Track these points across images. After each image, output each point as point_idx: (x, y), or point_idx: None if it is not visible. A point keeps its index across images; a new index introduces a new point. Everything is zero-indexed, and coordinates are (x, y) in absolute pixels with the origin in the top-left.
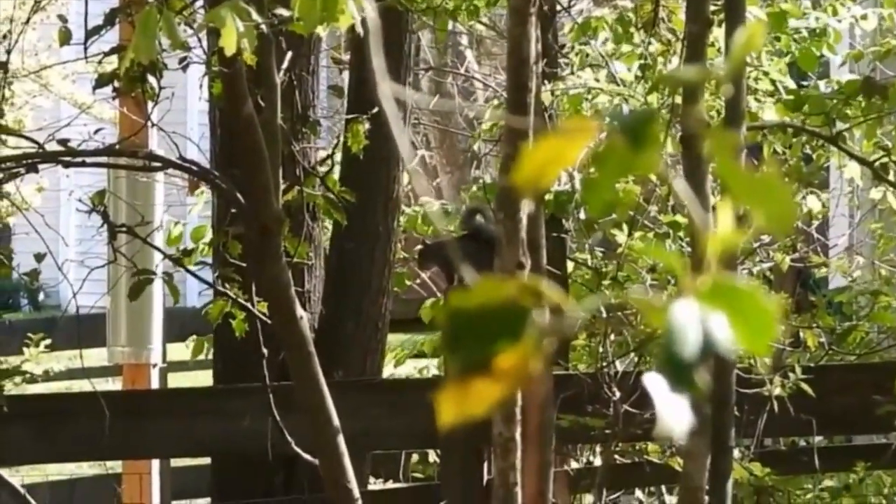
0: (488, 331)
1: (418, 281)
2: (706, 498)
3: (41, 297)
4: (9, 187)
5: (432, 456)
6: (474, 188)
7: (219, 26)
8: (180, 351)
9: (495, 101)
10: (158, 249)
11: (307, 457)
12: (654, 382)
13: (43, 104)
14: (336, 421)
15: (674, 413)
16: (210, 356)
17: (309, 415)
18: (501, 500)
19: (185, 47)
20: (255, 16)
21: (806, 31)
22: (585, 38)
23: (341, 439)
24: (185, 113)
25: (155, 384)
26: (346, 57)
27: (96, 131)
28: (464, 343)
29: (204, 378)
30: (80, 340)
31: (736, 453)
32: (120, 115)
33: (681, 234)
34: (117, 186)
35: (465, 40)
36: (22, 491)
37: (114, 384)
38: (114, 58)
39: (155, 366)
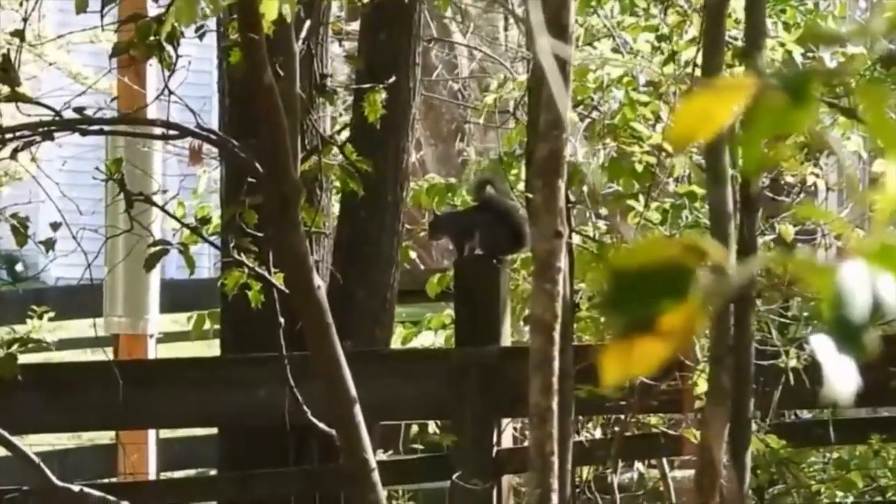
0: (652, 290)
1: (415, 255)
2: (724, 470)
3: (19, 268)
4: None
5: (432, 426)
6: (480, 159)
7: None
8: (168, 323)
9: (501, 75)
10: (177, 219)
11: (323, 427)
12: (821, 345)
13: (33, 72)
14: (353, 391)
15: (841, 376)
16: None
17: (326, 385)
18: (538, 469)
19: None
20: None
21: (811, 2)
22: (591, 9)
23: (358, 410)
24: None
25: (152, 354)
26: (348, 27)
27: (112, 100)
28: (627, 303)
29: (196, 349)
30: (69, 312)
31: (753, 426)
32: (119, 85)
33: (696, 204)
34: (116, 156)
35: (448, 13)
36: (36, 460)
37: (107, 355)
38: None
39: (152, 336)
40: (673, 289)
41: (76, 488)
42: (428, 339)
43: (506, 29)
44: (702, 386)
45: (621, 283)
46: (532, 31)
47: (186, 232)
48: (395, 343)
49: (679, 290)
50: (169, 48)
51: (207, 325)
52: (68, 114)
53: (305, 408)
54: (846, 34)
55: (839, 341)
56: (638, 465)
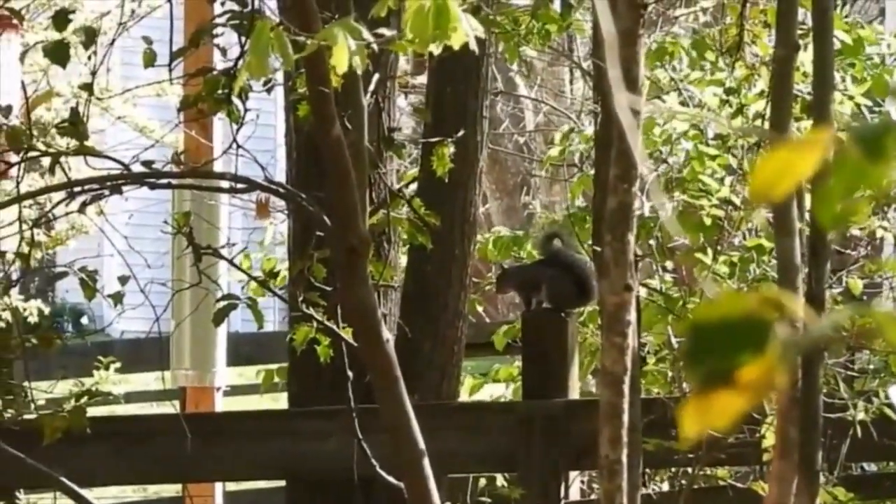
0: (731, 343)
1: (481, 308)
2: None
3: (84, 321)
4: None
5: (499, 479)
6: (546, 213)
7: (331, 44)
8: (234, 376)
9: (566, 127)
10: (245, 272)
11: (391, 479)
12: None
13: (100, 126)
14: (421, 444)
15: None
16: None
17: (394, 437)
18: None
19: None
20: (366, 34)
21: (877, 56)
22: (659, 63)
23: (426, 462)
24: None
25: (219, 407)
26: (415, 81)
27: (179, 154)
28: (706, 355)
29: (263, 402)
30: (134, 365)
31: (821, 479)
32: (186, 139)
33: (764, 258)
34: (183, 210)
35: (515, 66)
36: None
37: (174, 408)
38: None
39: (219, 389)
40: (752, 342)
41: None
42: (496, 391)
43: (571, 82)
44: (770, 438)
45: (701, 335)
46: (604, 84)
47: (253, 285)
48: (463, 395)
49: (758, 343)
50: (237, 102)
51: (276, 379)
52: (136, 167)
53: (373, 460)
54: None
55: None
56: None
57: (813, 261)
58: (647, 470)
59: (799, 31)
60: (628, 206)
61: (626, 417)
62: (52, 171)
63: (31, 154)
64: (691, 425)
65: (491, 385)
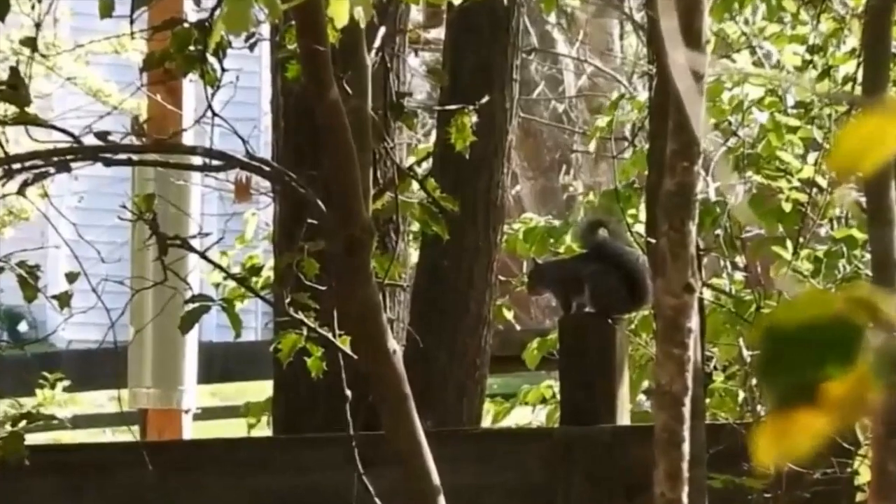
0: (816, 354)
1: (510, 313)
2: None
3: (23, 327)
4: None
5: None
6: (590, 195)
7: None
8: (206, 395)
9: (615, 93)
10: (221, 268)
11: None
12: None
13: (45, 89)
14: (436, 478)
15: None
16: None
17: (403, 471)
18: None
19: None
20: None
21: None
22: (728, 15)
23: (442, 501)
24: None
25: (188, 434)
26: (429, 35)
27: (141, 123)
28: (785, 369)
29: (241, 427)
30: (84, 382)
31: None
32: (150, 105)
33: (856, 251)
34: (145, 191)
35: (552, 17)
36: None
37: (133, 434)
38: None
39: (187, 412)
40: (841, 352)
41: None
42: (524, 417)
43: (621, 37)
44: (864, 474)
45: (779, 345)
46: (659, 39)
47: (231, 285)
48: (485, 422)
49: (846, 354)
50: (213, 60)
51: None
52: (89, 140)
53: (377, 500)
54: None
55: None
56: None
57: None
58: None
59: None
60: (689, 188)
61: (686, 447)
62: None
63: None
64: (767, 454)
65: (519, 409)
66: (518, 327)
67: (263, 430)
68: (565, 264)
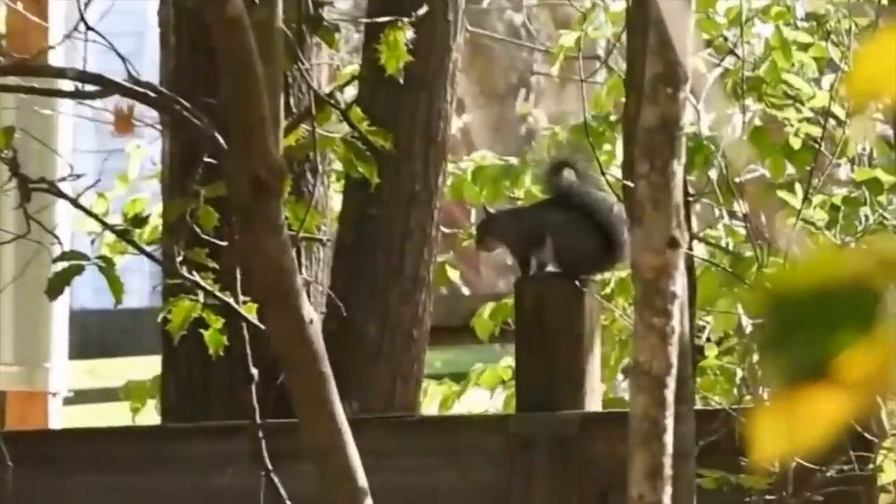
0: (829, 323)
1: (456, 274)
2: None
3: None
4: None
5: None
6: (554, 128)
7: None
8: (80, 374)
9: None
10: (98, 219)
11: None
12: None
13: None
14: (363, 478)
15: None
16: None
17: (320, 467)
18: None
19: None
20: None
21: None
22: None
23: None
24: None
25: (57, 422)
26: None
27: None
28: (793, 340)
29: (124, 413)
30: None
31: None
32: (8, 17)
33: (881, 198)
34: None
35: None
36: None
37: None
38: None
39: (55, 394)
40: (857, 321)
41: None
42: (481, 403)
43: None
44: (889, 472)
45: (784, 312)
46: None
47: (110, 238)
48: (430, 407)
49: (864, 323)
50: None
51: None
52: None
53: (289, 501)
54: None
55: None
56: None
57: None
58: None
59: None
60: (674, 120)
61: (669, 439)
62: None
63: None
64: (769, 446)
65: (474, 393)
66: (466, 291)
67: (150, 417)
68: (523, 213)
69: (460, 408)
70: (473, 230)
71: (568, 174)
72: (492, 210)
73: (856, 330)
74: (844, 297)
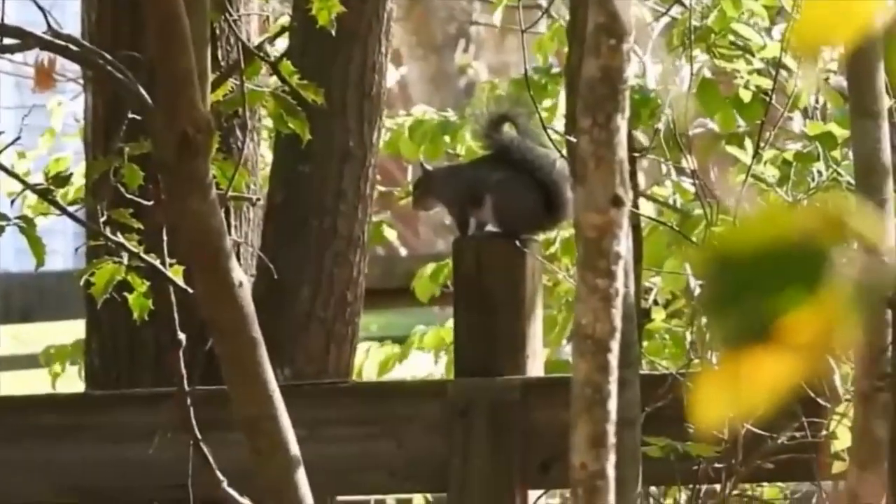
0: (778, 283)
1: (393, 234)
2: None
3: None
4: None
5: (419, 502)
6: (494, 81)
7: None
8: (4, 340)
9: None
10: (17, 178)
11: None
12: None
13: None
14: (295, 447)
15: None
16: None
17: (251, 437)
18: None
19: None
20: None
21: None
22: None
23: (302, 475)
24: None
25: None
26: None
27: None
28: (740, 301)
29: (44, 380)
30: None
31: None
32: None
33: (834, 153)
34: None
35: None
36: None
37: None
38: None
39: None
40: (805, 280)
41: None
42: (424, 367)
43: None
44: (843, 439)
45: (731, 272)
46: None
47: (32, 198)
48: (367, 373)
49: (814, 283)
50: None
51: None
52: None
53: (218, 473)
54: None
55: None
56: None
57: None
58: (652, 488)
59: None
60: (617, 73)
61: (613, 405)
62: None
63: None
64: (717, 410)
65: (417, 357)
66: (403, 252)
67: (75, 384)
68: (462, 171)
69: (404, 374)
70: (411, 188)
71: (508, 129)
72: (429, 167)
73: (806, 290)
74: (794, 257)
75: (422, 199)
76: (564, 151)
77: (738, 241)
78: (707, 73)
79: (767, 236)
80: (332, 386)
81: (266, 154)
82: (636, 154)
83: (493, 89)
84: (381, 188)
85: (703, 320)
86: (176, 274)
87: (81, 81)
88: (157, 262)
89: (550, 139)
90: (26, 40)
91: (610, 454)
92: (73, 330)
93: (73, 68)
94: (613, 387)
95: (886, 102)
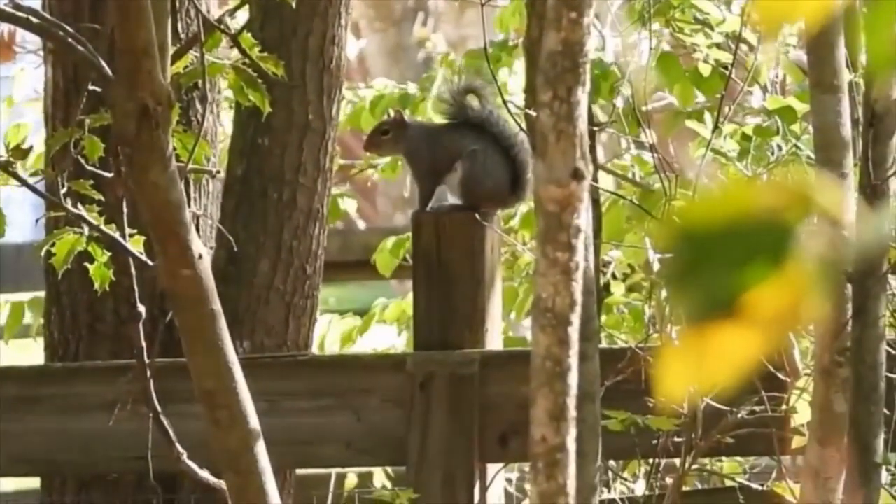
0: (740, 258)
1: (353, 207)
2: None
3: None
4: None
5: (379, 476)
6: (453, 54)
7: None
8: None
9: None
10: None
11: (206, 476)
12: None
13: None
14: (254, 420)
15: None
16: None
17: (209, 409)
18: None
19: None
20: None
21: None
22: None
23: (262, 449)
24: None
25: None
26: None
27: None
28: (702, 276)
29: (7, 354)
30: None
31: (885, 476)
32: None
33: (794, 126)
34: None
35: None
36: None
37: None
38: None
39: None
40: (766, 255)
41: None
42: (383, 340)
43: None
44: (803, 413)
45: (695, 247)
46: None
47: None
48: (329, 346)
49: (774, 257)
50: None
51: (28, 319)
52: None
53: (179, 446)
54: None
55: None
56: None
57: (870, 132)
58: (612, 462)
59: None
60: (577, 46)
61: (574, 379)
62: None
63: None
64: (677, 385)
65: (379, 329)
66: (362, 225)
67: (35, 356)
68: (440, 133)
69: (365, 347)
70: (379, 134)
71: (469, 102)
72: (408, 119)
73: (766, 265)
74: (755, 231)
75: (387, 144)
76: (524, 125)
77: (702, 215)
78: (666, 47)
79: (730, 210)
80: (291, 359)
81: (226, 126)
82: (596, 128)
83: (447, 62)
84: (340, 161)
85: (663, 294)
86: (136, 245)
87: (42, 53)
88: (118, 234)
89: (511, 113)
90: None
91: (570, 427)
92: (32, 302)
93: (34, 40)
94: (574, 360)
95: (846, 77)
